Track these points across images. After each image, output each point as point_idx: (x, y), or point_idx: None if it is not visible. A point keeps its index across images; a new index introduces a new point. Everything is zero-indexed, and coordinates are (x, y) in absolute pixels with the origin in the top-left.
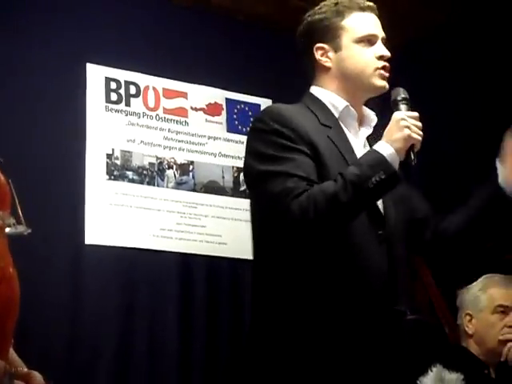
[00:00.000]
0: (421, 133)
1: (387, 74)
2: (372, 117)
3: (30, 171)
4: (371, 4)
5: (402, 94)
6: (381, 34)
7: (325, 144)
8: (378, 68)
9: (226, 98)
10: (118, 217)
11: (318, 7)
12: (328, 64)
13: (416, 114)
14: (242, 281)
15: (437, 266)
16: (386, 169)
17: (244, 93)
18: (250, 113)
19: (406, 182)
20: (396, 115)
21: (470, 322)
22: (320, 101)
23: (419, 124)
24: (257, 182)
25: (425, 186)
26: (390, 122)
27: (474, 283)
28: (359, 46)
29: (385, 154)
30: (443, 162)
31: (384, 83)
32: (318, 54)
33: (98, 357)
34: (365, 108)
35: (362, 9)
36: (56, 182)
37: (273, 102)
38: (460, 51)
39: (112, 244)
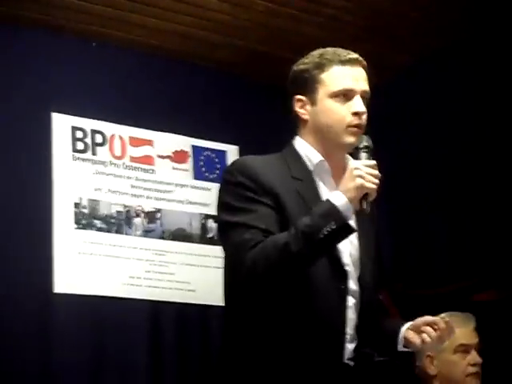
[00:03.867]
0: (376, 181)
1: (360, 131)
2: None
3: None
4: (354, 56)
5: (364, 142)
6: (360, 88)
7: (291, 197)
8: (350, 125)
9: (192, 146)
10: (86, 265)
11: (306, 57)
12: (305, 117)
13: (373, 162)
14: (211, 327)
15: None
16: (338, 219)
17: (210, 140)
18: (217, 160)
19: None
20: (351, 164)
21: (432, 364)
22: (297, 153)
23: (375, 173)
24: (221, 232)
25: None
26: (346, 172)
27: None
28: (334, 100)
29: (337, 204)
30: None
31: (354, 140)
32: (297, 106)
33: None
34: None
35: (343, 62)
36: (24, 230)
37: (239, 149)
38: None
39: (81, 292)
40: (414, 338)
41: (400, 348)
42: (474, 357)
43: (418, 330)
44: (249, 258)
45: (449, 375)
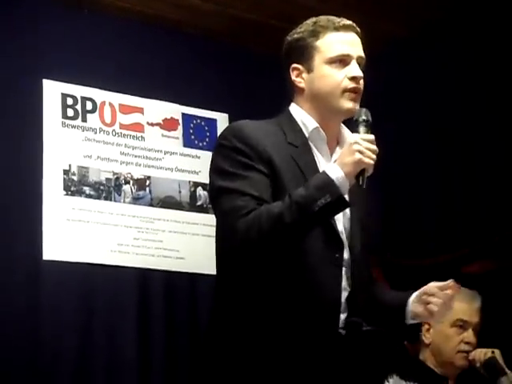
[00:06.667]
0: (374, 157)
1: (357, 96)
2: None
3: None
4: (348, 23)
5: (363, 115)
6: (356, 53)
7: (286, 163)
8: (346, 90)
9: (182, 113)
10: (75, 232)
11: (299, 26)
12: (302, 85)
13: (372, 137)
14: (199, 295)
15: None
16: (333, 192)
17: (200, 107)
18: (207, 127)
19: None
20: (350, 138)
21: (428, 332)
22: (293, 119)
23: (373, 148)
24: (213, 197)
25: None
26: (345, 145)
27: None
28: (330, 66)
29: (333, 177)
30: (404, 179)
31: (352, 105)
32: (293, 75)
33: (56, 372)
34: (344, 128)
35: (337, 28)
36: (13, 197)
37: (229, 117)
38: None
39: (70, 260)
40: (423, 312)
41: (409, 321)
42: (469, 335)
43: (423, 301)
44: (241, 226)
45: (440, 347)
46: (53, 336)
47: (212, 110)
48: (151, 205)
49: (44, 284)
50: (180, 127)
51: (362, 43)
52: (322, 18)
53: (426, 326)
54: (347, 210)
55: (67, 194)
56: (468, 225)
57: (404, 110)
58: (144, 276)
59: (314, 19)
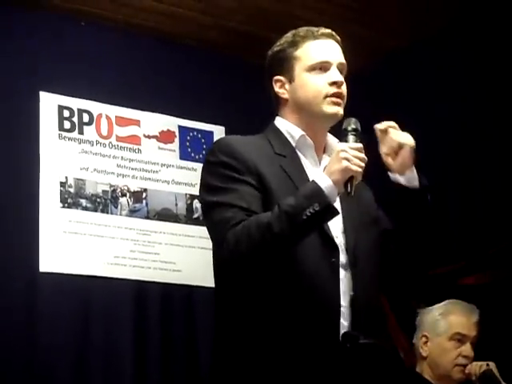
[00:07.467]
0: (362, 164)
1: (339, 101)
2: (335, 146)
3: None
4: (327, 31)
5: (352, 124)
6: (336, 59)
7: (275, 174)
8: (327, 95)
9: (179, 126)
10: (72, 244)
11: (279, 40)
12: (285, 96)
13: (360, 145)
14: (196, 308)
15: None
16: (322, 200)
17: (196, 120)
18: (203, 140)
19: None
20: (338, 146)
21: (426, 345)
22: (279, 130)
23: (361, 156)
24: (204, 213)
25: None
26: (333, 154)
27: (437, 306)
28: (311, 74)
29: (322, 186)
30: None
31: (335, 110)
32: (276, 87)
33: None
34: (330, 136)
35: (316, 37)
36: (10, 210)
37: (225, 129)
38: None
39: (66, 272)
40: (393, 158)
41: (411, 183)
42: (467, 349)
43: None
44: (231, 237)
45: (438, 360)
46: (50, 348)
47: (209, 122)
48: (148, 217)
49: (41, 296)
50: (176, 140)
51: (358, 54)
52: (302, 29)
53: (424, 339)
54: (341, 214)
55: (64, 207)
56: (464, 237)
57: (401, 122)
58: (140, 288)
59: (293, 31)
